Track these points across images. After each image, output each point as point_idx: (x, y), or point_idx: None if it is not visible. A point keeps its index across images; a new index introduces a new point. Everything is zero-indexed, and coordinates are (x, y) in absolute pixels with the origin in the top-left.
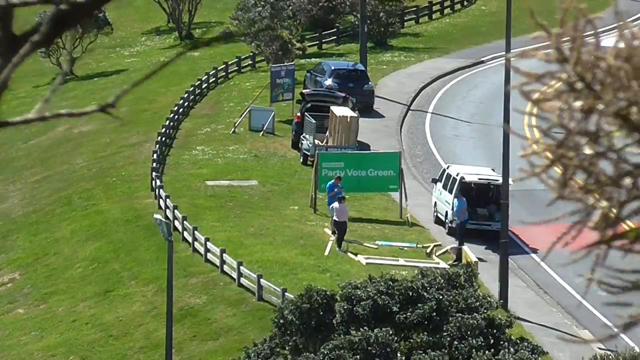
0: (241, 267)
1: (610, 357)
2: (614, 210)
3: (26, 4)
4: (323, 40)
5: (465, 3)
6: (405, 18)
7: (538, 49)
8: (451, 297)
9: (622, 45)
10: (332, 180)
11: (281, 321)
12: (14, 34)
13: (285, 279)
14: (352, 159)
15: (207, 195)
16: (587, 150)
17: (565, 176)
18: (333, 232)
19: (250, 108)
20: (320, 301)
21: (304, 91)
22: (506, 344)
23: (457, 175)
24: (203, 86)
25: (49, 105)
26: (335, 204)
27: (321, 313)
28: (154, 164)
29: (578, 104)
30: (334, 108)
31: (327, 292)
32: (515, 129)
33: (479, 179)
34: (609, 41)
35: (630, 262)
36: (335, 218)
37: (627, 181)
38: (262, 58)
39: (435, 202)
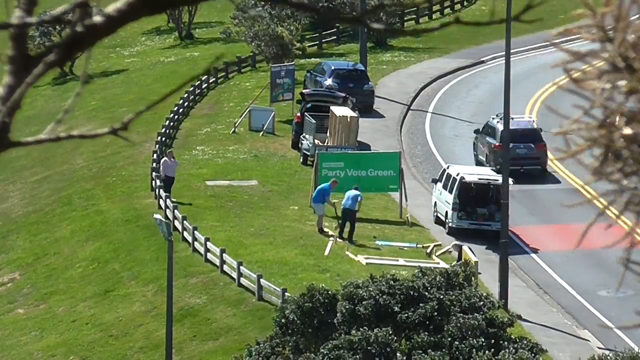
0: (241, 267)
1: (609, 357)
2: None
3: (41, 24)
4: (323, 40)
5: (465, 3)
6: (405, 18)
7: (581, 27)
8: (453, 296)
9: None
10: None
11: (282, 320)
12: (29, 54)
13: (285, 279)
14: (352, 159)
15: (207, 195)
16: (627, 131)
17: (605, 156)
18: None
19: (250, 108)
20: (322, 300)
21: (304, 91)
22: (506, 343)
23: (457, 175)
24: (203, 86)
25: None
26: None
27: (323, 312)
28: (154, 164)
29: (621, 84)
30: (334, 108)
31: (329, 292)
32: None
33: (479, 179)
34: None
35: None
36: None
37: None
38: (262, 58)
39: (435, 202)
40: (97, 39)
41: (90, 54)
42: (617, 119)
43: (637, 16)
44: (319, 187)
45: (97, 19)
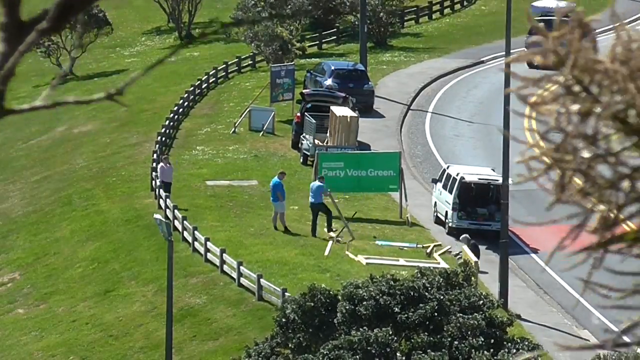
0: (241, 267)
1: (614, 357)
2: (613, 214)
3: None
4: (323, 40)
5: (465, 3)
6: (405, 18)
7: (535, 52)
8: (452, 296)
9: (619, 47)
10: (318, 182)
11: (283, 320)
12: (21, 20)
13: (285, 279)
14: (352, 159)
15: (207, 195)
16: (585, 154)
17: (563, 179)
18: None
19: (250, 108)
20: (324, 300)
21: (304, 91)
22: (506, 343)
23: (457, 175)
24: (203, 86)
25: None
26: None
27: (324, 312)
28: (154, 164)
29: (575, 107)
30: (334, 108)
31: (331, 292)
32: (515, 130)
33: (479, 179)
34: (606, 43)
35: (629, 264)
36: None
37: (625, 184)
38: (262, 58)
39: (435, 202)
40: (88, 3)
41: (82, 20)
42: (575, 141)
43: (587, 38)
44: (271, 185)
45: None
